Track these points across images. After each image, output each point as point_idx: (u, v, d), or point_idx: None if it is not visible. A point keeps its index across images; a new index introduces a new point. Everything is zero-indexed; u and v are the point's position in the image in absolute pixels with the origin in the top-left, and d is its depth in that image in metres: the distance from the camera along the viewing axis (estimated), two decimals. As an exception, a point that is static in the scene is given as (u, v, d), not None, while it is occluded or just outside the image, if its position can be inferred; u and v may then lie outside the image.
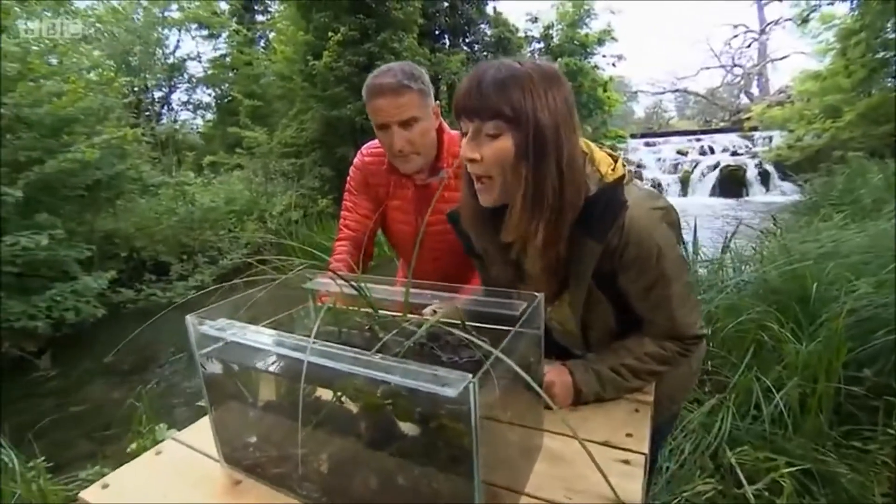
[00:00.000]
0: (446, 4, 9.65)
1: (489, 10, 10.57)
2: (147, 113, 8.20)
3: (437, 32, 9.98)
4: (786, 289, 1.84)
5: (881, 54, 7.84)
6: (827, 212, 3.37)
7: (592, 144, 0.77)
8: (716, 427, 1.48)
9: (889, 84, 8.35)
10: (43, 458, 1.67)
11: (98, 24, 5.41)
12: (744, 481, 1.38)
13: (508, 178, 0.67)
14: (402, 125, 1.07)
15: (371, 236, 1.29)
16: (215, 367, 0.64)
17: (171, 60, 9.23)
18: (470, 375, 0.41)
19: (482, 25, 10.58)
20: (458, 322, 0.60)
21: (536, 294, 0.58)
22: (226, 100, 9.83)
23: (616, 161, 0.75)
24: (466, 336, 0.49)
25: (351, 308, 0.71)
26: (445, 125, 1.21)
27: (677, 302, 0.73)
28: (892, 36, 7.64)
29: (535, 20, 12.31)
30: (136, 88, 7.45)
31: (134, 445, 1.97)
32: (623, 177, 0.72)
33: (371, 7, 7.05)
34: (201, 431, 0.71)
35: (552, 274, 0.75)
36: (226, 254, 5.38)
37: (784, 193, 8.88)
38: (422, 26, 8.21)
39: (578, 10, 11.86)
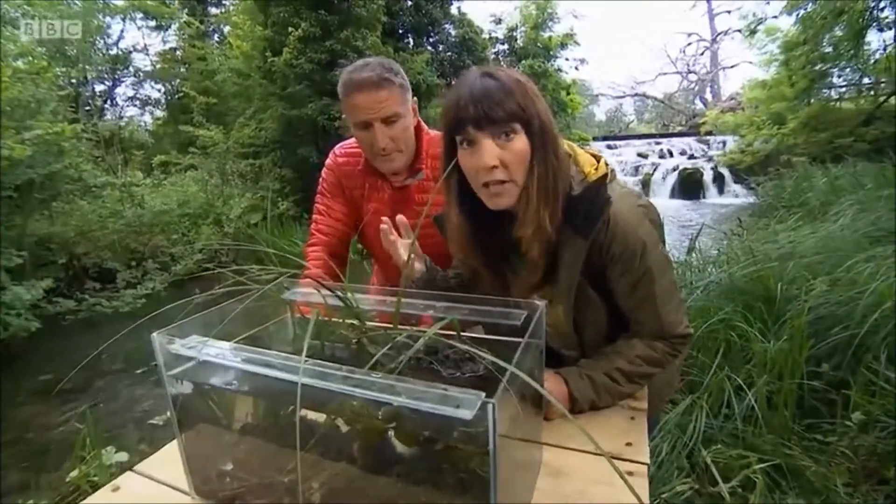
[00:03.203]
0: (410, 3, 9.60)
1: (453, 10, 10.63)
2: (87, 108, 7.66)
3: (400, 31, 9.91)
4: (751, 289, 1.93)
5: (819, 66, 8.50)
6: (781, 214, 3.60)
7: (575, 146, 0.80)
8: (691, 427, 1.53)
9: (826, 94, 9.09)
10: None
11: (27, 7, 4.97)
12: (718, 479, 1.43)
13: (525, 175, 0.70)
14: (385, 122, 1.03)
15: (346, 241, 1.25)
16: (185, 389, 0.59)
17: (113, 51, 8.67)
18: (483, 394, 0.38)
19: (446, 26, 10.61)
20: (455, 333, 0.58)
21: (538, 302, 0.57)
22: (177, 96, 9.36)
23: (599, 161, 0.77)
24: (474, 351, 0.47)
25: (335, 320, 0.67)
26: (424, 124, 1.18)
27: (662, 300, 0.76)
28: (829, 50, 8.30)
29: (498, 21, 12.52)
30: (73, 80, 6.93)
31: (75, 473, 1.81)
32: (606, 175, 0.75)
33: (332, 3, 6.92)
34: (167, 460, 0.65)
35: (544, 258, 0.77)
36: (179, 260, 5.10)
37: (737, 196, 9.43)
38: (385, 24, 8.13)
39: (542, 13, 12.16)
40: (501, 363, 0.42)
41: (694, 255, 2.46)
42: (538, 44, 12.05)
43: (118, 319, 3.83)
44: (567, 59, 12.72)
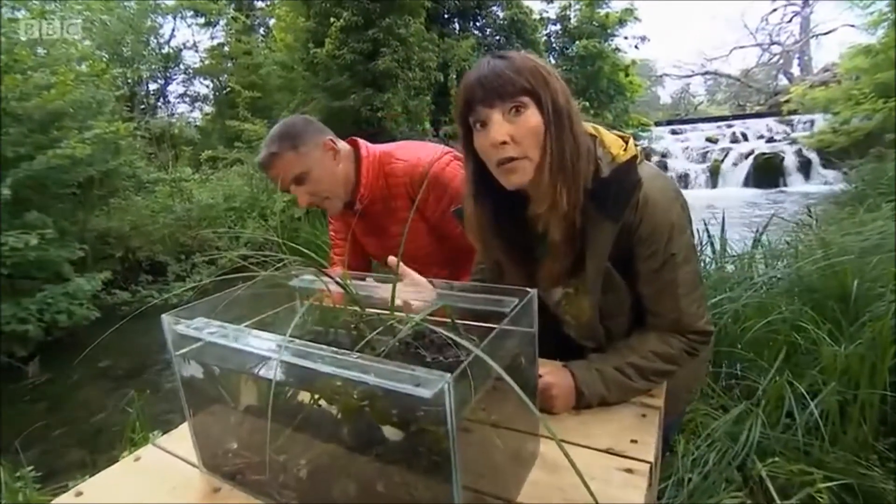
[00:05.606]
0: (456, -15, 9.61)
1: (502, -10, 10.52)
2: (142, 106, 8.35)
3: (445, 16, 9.95)
4: (823, 286, 1.79)
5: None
6: (874, 201, 3.28)
7: (601, 128, 0.80)
8: (743, 436, 1.45)
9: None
10: (31, 467, 1.71)
11: (87, 13, 5.52)
12: (775, 496, 1.35)
13: (539, 151, 0.71)
14: (296, 183, 1.15)
15: (363, 256, 1.43)
16: (193, 370, 0.65)
17: (165, 50, 9.38)
18: (447, 375, 0.40)
19: (494, 7, 10.51)
20: (447, 320, 0.60)
21: (529, 290, 0.58)
22: (224, 91, 9.96)
23: (627, 142, 0.77)
24: (447, 335, 0.49)
25: (337, 307, 0.71)
26: (366, 147, 1.24)
27: (684, 289, 0.75)
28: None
29: (551, 1, 12.20)
30: (129, 80, 7.59)
31: (126, 453, 2.01)
32: (636, 156, 0.75)
33: (375, -11, 7.07)
34: (182, 437, 0.73)
35: (571, 244, 0.78)
36: (225, 253, 5.46)
37: (827, 182, 8.67)
38: (429, 10, 8.19)
39: (599, -12, 11.72)
40: (469, 346, 0.44)
41: (759, 248, 2.31)
42: (594, 22, 11.62)
43: (167, 311, 4.17)
44: (626, 38, 12.18)
